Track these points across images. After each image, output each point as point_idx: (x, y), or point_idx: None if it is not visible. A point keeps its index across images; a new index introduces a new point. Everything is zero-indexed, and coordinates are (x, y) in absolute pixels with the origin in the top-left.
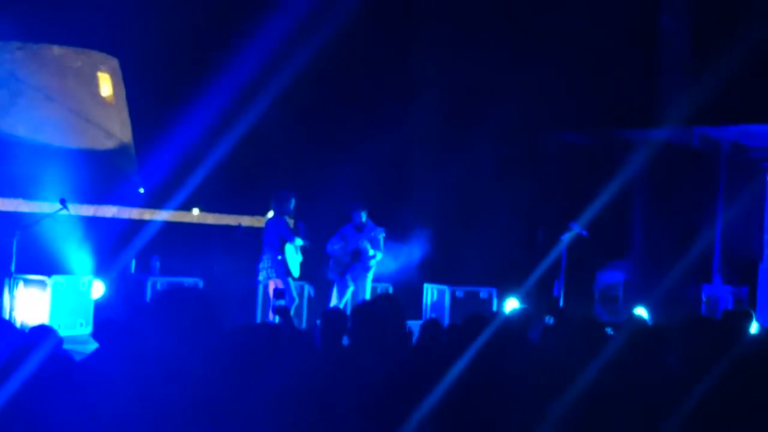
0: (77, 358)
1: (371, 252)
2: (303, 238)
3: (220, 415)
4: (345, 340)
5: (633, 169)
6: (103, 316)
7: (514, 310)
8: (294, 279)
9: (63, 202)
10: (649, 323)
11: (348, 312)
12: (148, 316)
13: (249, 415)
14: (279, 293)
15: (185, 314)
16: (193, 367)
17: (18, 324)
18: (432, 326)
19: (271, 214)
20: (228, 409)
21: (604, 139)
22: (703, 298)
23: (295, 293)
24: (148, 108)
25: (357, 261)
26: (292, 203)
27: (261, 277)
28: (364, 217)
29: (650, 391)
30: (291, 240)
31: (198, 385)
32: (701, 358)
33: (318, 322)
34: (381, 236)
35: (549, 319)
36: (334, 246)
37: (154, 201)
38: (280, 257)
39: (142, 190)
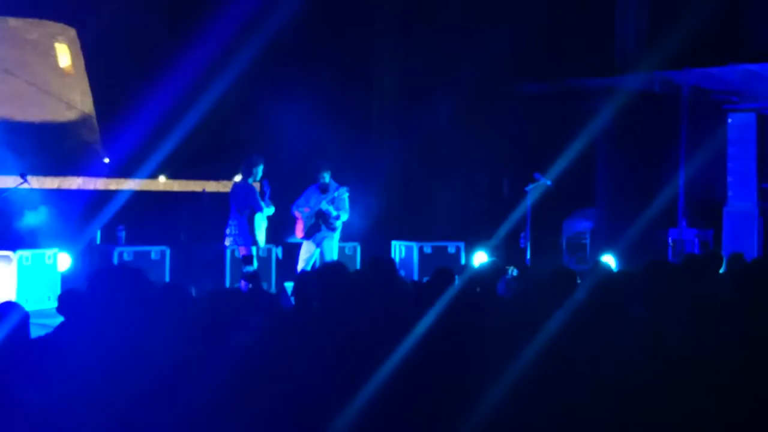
0: (45, 332)
1: (335, 213)
2: (268, 198)
3: (185, 380)
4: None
5: (596, 117)
6: (65, 289)
7: (483, 263)
8: (257, 245)
9: (23, 176)
10: (615, 271)
11: None
12: (103, 287)
13: (216, 379)
14: (247, 259)
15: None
16: (156, 336)
17: None
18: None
19: (238, 178)
20: (194, 374)
21: (566, 88)
22: (670, 243)
23: (255, 261)
24: (108, 77)
25: (322, 223)
26: (261, 169)
27: (228, 242)
28: (327, 177)
29: (614, 338)
30: (260, 209)
31: (162, 352)
32: (664, 303)
33: (285, 285)
34: (345, 195)
35: (513, 271)
36: (300, 208)
37: (120, 170)
38: (246, 225)
39: (107, 160)
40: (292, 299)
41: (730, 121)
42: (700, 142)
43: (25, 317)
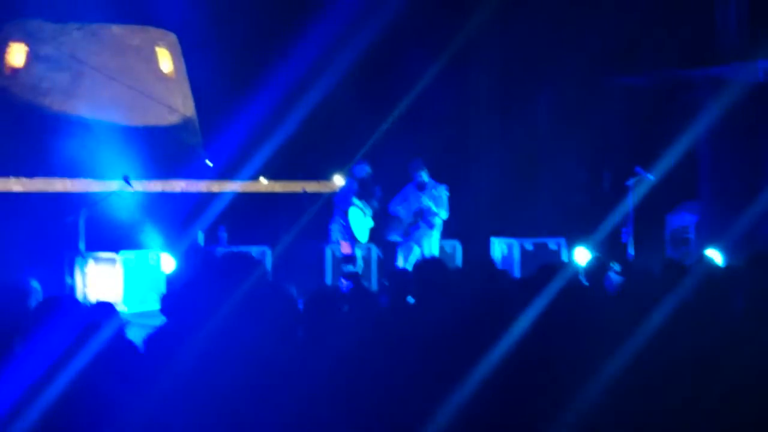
0: (148, 332)
1: (435, 209)
2: (375, 201)
3: (286, 380)
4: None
5: (698, 109)
6: (166, 290)
7: (588, 260)
8: (359, 243)
9: (126, 179)
10: (719, 265)
11: None
12: (205, 284)
13: (316, 379)
14: (347, 259)
15: (240, 280)
16: (257, 336)
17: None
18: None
19: (341, 179)
20: (295, 373)
21: (666, 80)
22: None
23: (361, 261)
24: (209, 80)
25: (421, 221)
26: (365, 171)
27: (332, 237)
28: (425, 175)
29: (718, 334)
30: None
31: (263, 353)
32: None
33: (385, 282)
34: (444, 194)
35: (615, 266)
36: (397, 207)
37: (221, 172)
38: (344, 222)
39: (210, 163)
40: (388, 296)
41: None
42: None
43: (118, 318)
